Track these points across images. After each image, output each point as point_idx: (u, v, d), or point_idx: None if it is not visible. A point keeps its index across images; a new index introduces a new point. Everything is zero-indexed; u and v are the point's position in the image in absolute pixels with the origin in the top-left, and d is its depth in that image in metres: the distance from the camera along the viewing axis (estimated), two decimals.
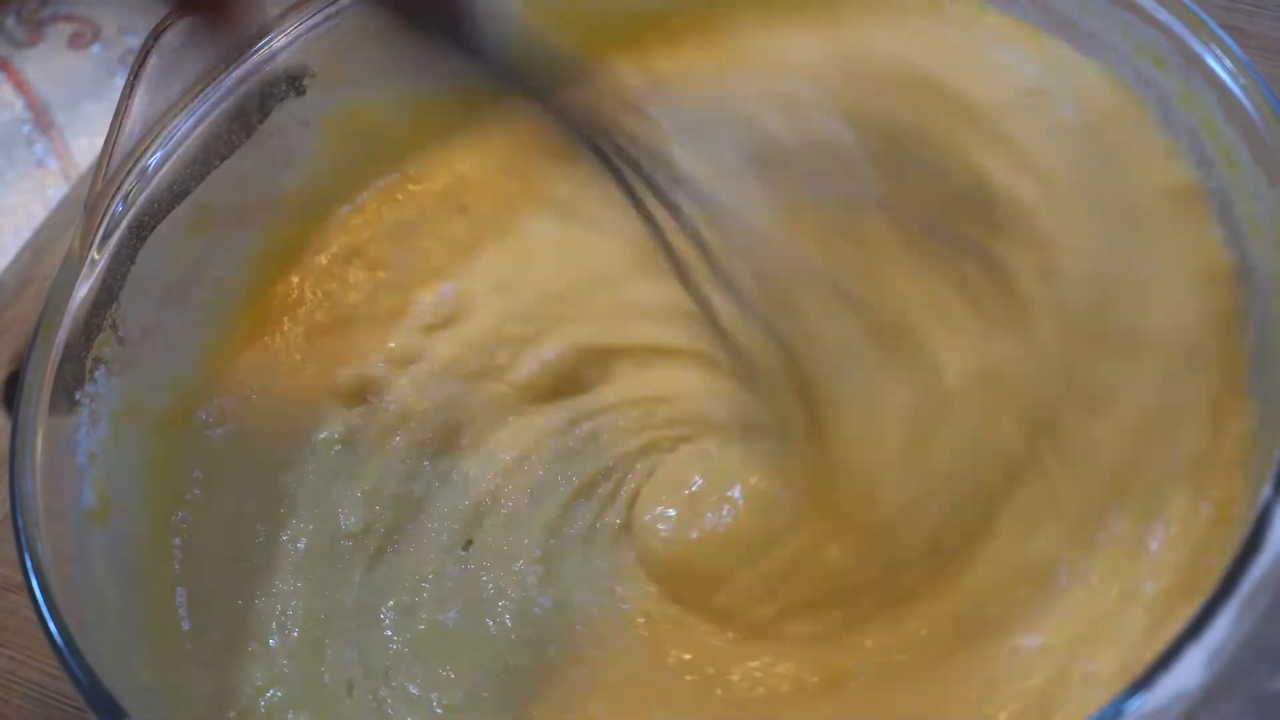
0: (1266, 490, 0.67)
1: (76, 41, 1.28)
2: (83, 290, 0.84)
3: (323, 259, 0.96)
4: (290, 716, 0.80)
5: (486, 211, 0.96)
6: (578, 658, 0.80)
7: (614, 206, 0.79)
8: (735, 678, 0.78)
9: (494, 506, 0.86)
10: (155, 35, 0.87)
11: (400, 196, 0.98)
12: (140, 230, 0.88)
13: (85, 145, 1.21)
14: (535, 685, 0.79)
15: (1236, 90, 0.80)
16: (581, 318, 0.90)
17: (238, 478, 0.88)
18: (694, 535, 0.81)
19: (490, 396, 0.89)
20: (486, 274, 0.93)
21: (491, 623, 0.81)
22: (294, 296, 0.95)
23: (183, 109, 0.89)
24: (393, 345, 0.92)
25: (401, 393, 0.89)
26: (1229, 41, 0.81)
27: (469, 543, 0.85)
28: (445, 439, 0.88)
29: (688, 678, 0.79)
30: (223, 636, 0.83)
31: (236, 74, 0.90)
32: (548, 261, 0.92)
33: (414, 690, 0.80)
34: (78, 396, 0.83)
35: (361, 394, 0.90)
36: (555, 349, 0.89)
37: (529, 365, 0.89)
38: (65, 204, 1.09)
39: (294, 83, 0.93)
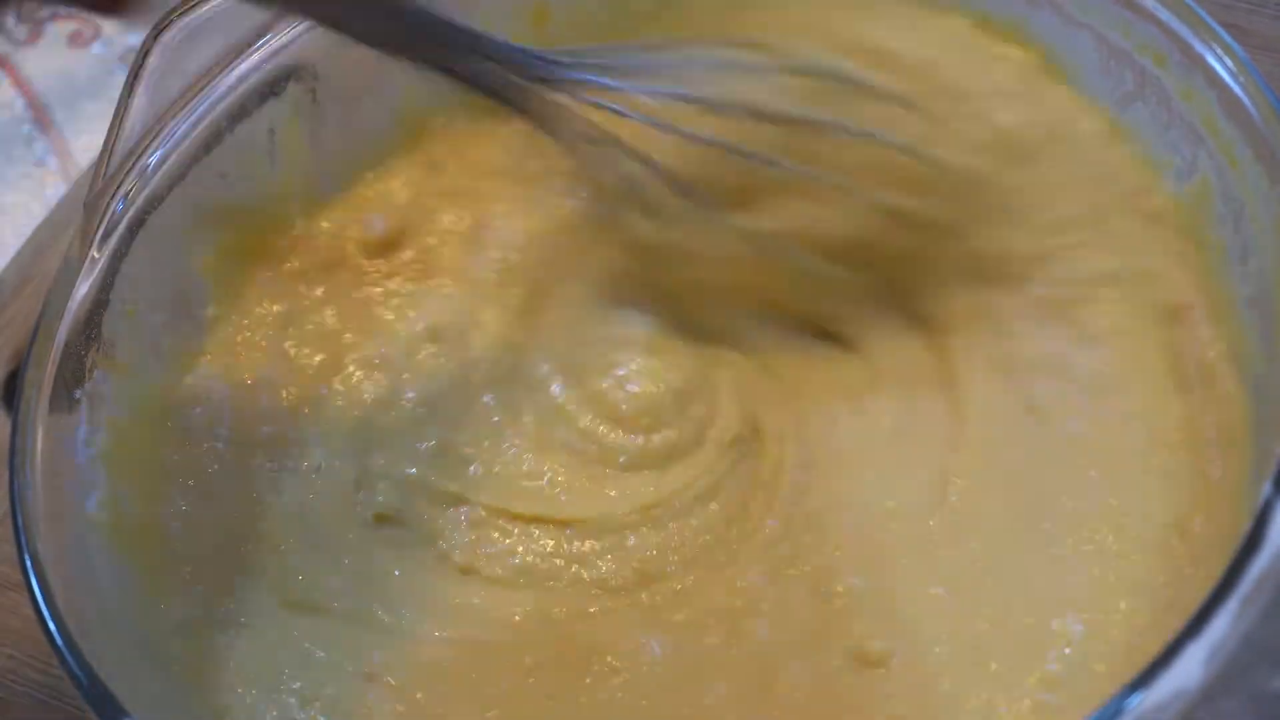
0: (1266, 489, 0.67)
1: (76, 40, 1.28)
2: (82, 289, 0.84)
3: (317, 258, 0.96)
4: None
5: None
6: None
7: None
8: None
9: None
10: (155, 34, 0.87)
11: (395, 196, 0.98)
12: (140, 229, 0.88)
13: (85, 144, 1.21)
14: None
15: (1237, 89, 0.80)
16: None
17: (237, 475, 0.88)
18: None
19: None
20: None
21: None
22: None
23: (183, 108, 0.89)
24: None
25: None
26: (1229, 40, 0.81)
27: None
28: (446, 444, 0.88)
29: None
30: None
31: (236, 73, 0.90)
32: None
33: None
34: (77, 395, 0.83)
35: None
36: None
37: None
38: (65, 203, 1.09)
39: (294, 81, 0.93)
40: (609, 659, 0.79)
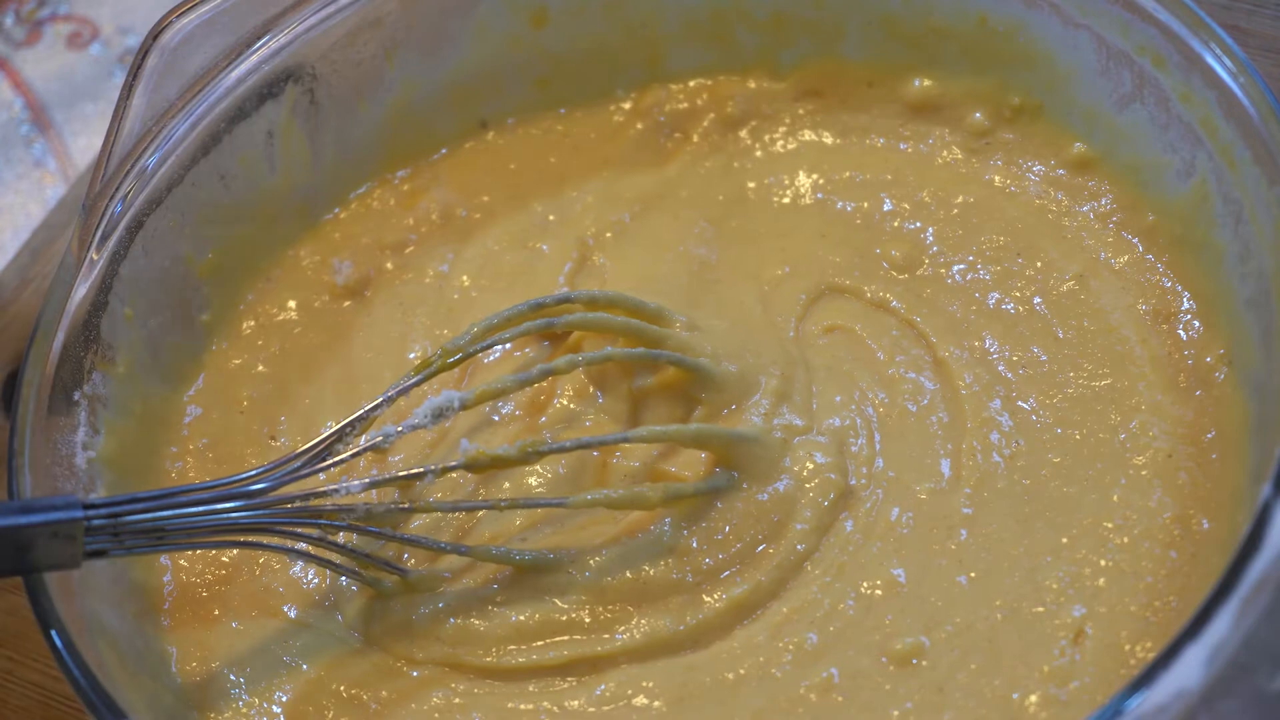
0: (1266, 490, 0.67)
1: (75, 41, 1.27)
2: (81, 291, 0.84)
3: (318, 258, 0.96)
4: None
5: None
6: None
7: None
8: None
9: None
10: (154, 35, 0.87)
11: (393, 200, 0.98)
12: (139, 231, 0.87)
13: (84, 145, 1.21)
14: None
15: (1236, 89, 0.80)
16: None
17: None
18: None
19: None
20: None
21: None
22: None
23: (181, 109, 0.89)
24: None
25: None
26: (1229, 40, 0.82)
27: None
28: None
29: None
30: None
31: (234, 74, 0.90)
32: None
33: None
34: (76, 397, 0.83)
35: None
36: None
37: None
38: (63, 204, 1.09)
39: (292, 82, 0.93)
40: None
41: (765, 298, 0.90)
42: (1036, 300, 0.88)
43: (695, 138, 0.99)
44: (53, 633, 0.73)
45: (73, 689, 0.72)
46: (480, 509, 0.82)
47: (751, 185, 0.96)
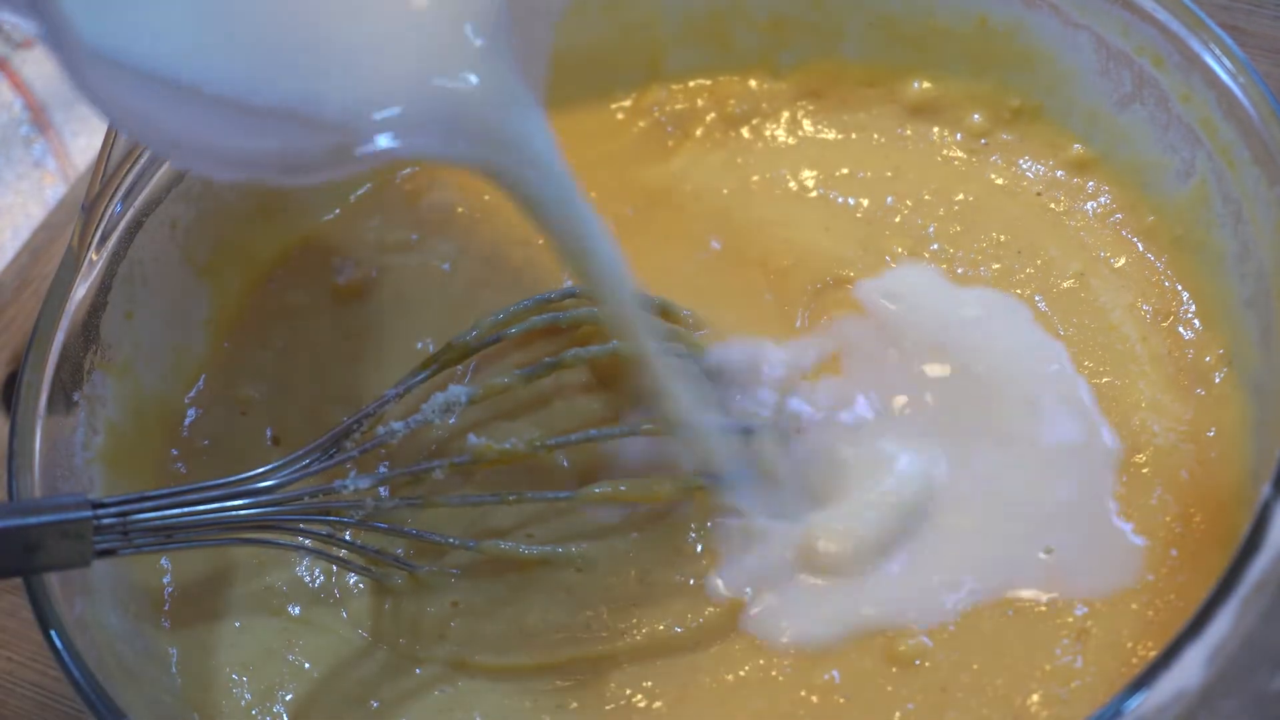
0: (1266, 490, 0.67)
1: None
2: (80, 291, 0.84)
3: (320, 258, 0.96)
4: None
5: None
6: None
7: None
8: None
9: None
10: None
11: (395, 199, 0.98)
12: (139, 231, 0.87)
13: (83, 145, 1.21)
14: None
15: (1235, 89, 0.80)
16: None
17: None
18: None
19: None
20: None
21: None
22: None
23: None
24: None
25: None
26: (1228, 41, 0.82)
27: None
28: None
29: None
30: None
31: None
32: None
33: None
34: (76, 397, 0.83)
35: None
36: None
37: None
38: (63, 204, 1.09)
39: None
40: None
41: (772, 289, 0.91)
42: (1038, 298, 0.88)
43: (698, 134, 0.99)
44: (53, 633, 0.73)
45: (73, 689, 0.72)
46: (487, 503, 0.83)
47: (755, 179, 0.96)
